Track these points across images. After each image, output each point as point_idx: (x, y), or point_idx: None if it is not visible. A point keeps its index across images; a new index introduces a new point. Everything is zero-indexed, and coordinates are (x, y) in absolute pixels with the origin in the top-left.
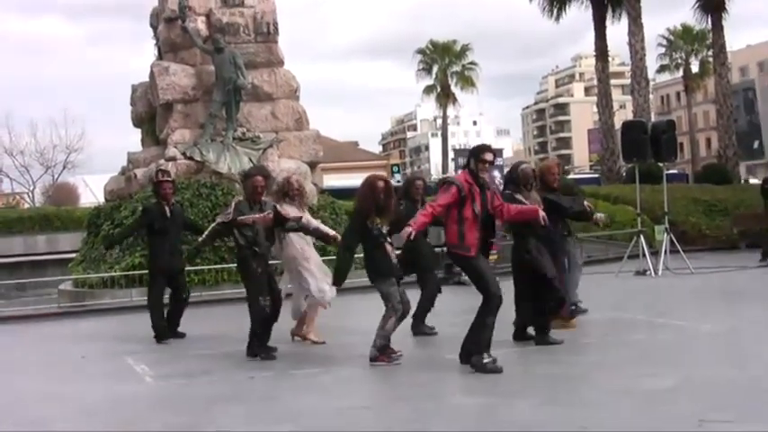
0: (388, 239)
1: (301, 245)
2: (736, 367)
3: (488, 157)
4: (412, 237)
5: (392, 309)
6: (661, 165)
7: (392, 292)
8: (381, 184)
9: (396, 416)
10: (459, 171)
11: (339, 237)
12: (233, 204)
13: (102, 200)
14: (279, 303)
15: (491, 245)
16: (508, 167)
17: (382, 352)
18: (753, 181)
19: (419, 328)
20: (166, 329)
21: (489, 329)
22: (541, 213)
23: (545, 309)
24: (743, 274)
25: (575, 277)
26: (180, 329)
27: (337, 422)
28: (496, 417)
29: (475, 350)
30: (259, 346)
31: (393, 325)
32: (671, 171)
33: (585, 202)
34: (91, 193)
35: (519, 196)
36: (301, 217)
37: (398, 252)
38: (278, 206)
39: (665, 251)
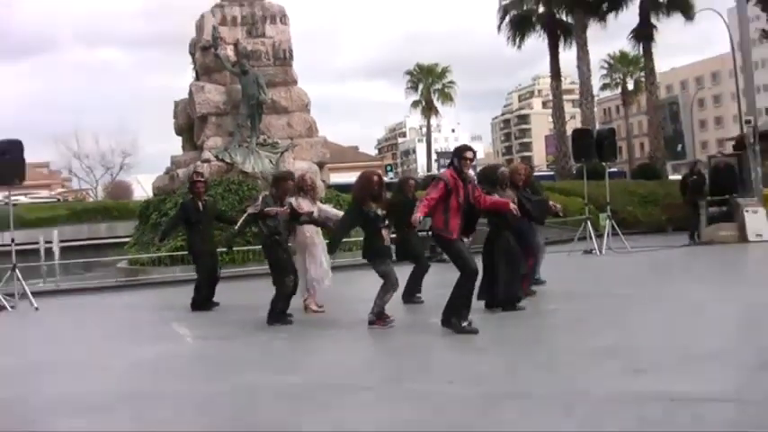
0: (385, 223)
1: (311, 233)
2: (663, 327)
3: (469, 154)
4: (420, 221)
5: (390, 285)
6: (604, 164)
7: (389, 271)
8: (375, 177)
9: (387, 369)
10: (443, 169)
11: None
12: (261, 198)
13: (151, 195)
14: (297, 279)
15: (472, 230)
16: (480, 167)
17: (379, 317)
18: (676, 177)
19: (409, 298)
20: (203, 303)
21: (467, 298)
22: (513, 206)
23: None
24: (670, 251)
25: (539, 258)
26: (214, 299)
27: (339, 374)
28: (470, 369)
29: (454, 315)
30: (280, 314)
31: (390, 297)
32: (612, 169)
33: (551, 202)
34: (142, 189)
35: (495, 195)
36: (312, 212)
37: (393, 236)
38: (293, 202)
39: (608, 234)
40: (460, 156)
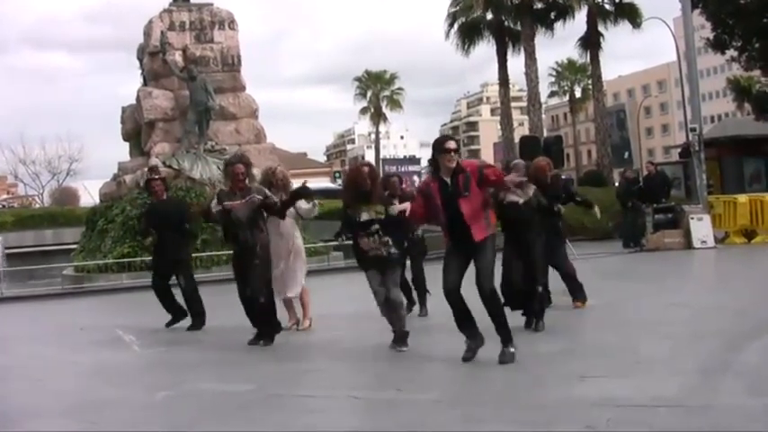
0: (373, 228)
1: (291, 235)
2: (611, 333)
3: (451, 145)
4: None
5: (374, 296)
6: None
7: (368, 280)
8: (365, 168)
9: (338, 377)
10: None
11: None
12: (215, 196)
13: (97, 201)
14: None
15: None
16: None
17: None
18: None
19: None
20: (179, 312)
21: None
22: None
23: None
24: (616, 258)
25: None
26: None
27: (291, 382)
28: (419, 376)
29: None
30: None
31: (402, 313)
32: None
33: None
34: (89, 195)
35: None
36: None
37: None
38: (267, 193)
39: None
40: (441, 148)
